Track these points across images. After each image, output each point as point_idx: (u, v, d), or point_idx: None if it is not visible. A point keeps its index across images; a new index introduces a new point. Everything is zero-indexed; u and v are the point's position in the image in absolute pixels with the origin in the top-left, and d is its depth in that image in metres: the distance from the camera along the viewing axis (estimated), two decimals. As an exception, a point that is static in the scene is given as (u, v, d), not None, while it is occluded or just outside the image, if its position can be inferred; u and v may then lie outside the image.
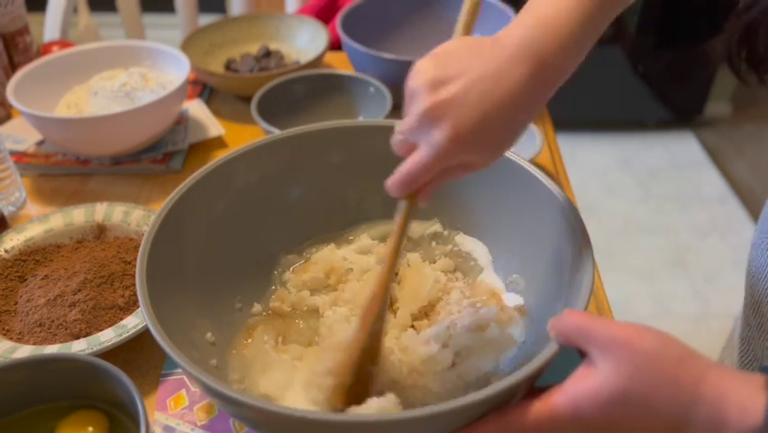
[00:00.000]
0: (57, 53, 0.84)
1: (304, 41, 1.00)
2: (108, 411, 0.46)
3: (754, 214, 1.97)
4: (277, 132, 0.61)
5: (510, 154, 0.55)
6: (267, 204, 0.59)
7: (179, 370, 0.54)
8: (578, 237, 0.48)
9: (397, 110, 0.91)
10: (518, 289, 0.56)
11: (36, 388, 0.46)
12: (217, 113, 0.91)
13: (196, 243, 0.54)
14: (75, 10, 1.26)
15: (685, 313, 1.67)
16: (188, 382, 0.54)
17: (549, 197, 0.52)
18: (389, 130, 0.58)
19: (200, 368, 0.40)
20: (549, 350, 0.40)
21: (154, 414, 0.52)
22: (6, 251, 0.63)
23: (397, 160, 0.60)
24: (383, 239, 0.61)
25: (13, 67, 0.90)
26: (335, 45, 1.03)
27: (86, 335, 0.55)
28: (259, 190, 0.58)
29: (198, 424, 0.51)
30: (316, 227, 0.62)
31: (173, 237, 0.50)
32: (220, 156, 0.55)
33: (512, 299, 0.55)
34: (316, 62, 0.92)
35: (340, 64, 1.02)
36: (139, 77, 0.81)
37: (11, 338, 0.55)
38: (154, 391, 0.54)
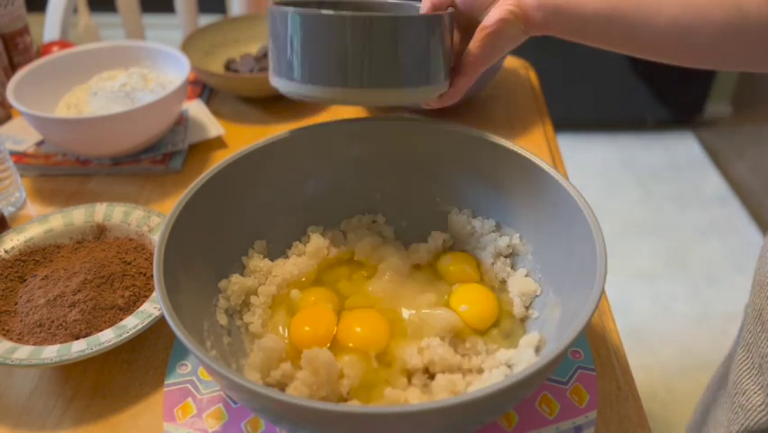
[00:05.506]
0: (57, 53, 0.84)
1: (304, 42, 1.00)
2: None
3: (755, 214, 1.97)
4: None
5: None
6: (282, 196, 0.60)
7: (182, 380, 0.54)
8: (591, 228, 0.48)
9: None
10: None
11: None
12: (217, 113, 0.91)
13: (208, 234, 0.54)
14: (75, 10, 1.26)
15: (685, 313, 1.67)
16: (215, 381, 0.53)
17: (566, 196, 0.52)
18: (414, 126, 0.59)
19: (225, 366, 0.40)
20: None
21: (162, 424, 0.51)
22: (6, 251, 0.63)
23: (417, 159, 0.60)
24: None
25: (13, 67, 0.90)
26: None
27: (86, 335, 0.55)
28: (276, 183, 0.59)
29: (210, 431, 0.50)
30: (330, 221, 0.63)
31: (187, 230, 0.51)
32: (221, 156, 0.55)
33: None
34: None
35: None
36: (139, 77, 0.81)
37: (11, 339, 0.55)
38: (154, 392, 0.54)
